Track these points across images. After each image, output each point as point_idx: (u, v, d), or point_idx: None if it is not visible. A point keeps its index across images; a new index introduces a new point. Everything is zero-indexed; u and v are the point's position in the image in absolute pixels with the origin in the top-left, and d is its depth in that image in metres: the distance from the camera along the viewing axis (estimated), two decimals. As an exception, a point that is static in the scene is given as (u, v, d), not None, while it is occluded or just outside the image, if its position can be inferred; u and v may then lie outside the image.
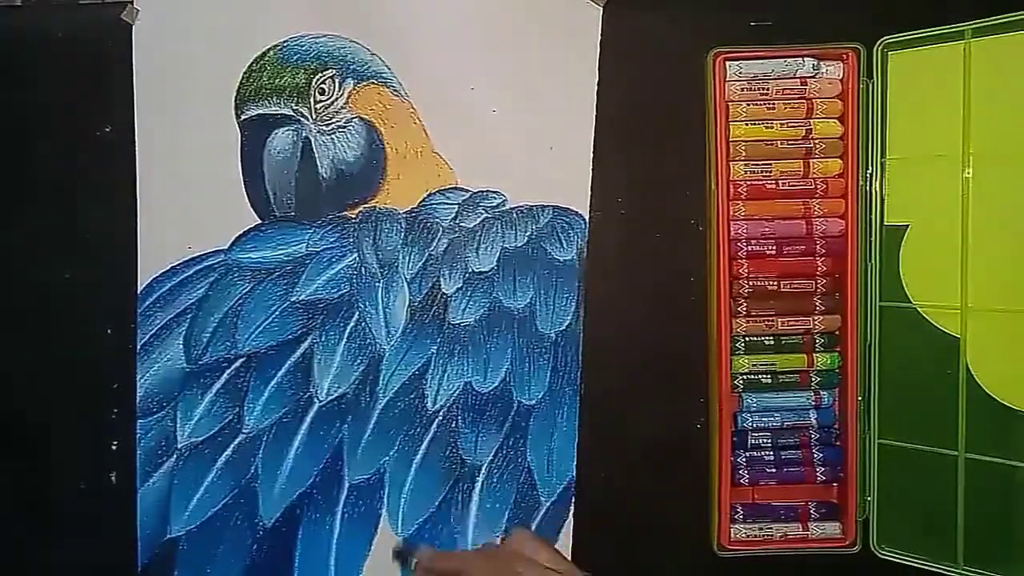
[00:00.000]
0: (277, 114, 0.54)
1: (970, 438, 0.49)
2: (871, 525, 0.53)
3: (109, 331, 0.54)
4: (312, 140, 0.54)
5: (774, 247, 0.53)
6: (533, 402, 0.54)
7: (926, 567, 0.51)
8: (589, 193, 0.54)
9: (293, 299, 0.54)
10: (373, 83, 0.54)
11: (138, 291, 0.54)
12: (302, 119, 0.54)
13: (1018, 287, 0.48)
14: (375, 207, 0.54)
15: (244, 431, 0.53)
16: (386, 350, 0.54)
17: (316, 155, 0.54)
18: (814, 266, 0.53)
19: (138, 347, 0.54)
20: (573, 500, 0.54)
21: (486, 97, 0.54)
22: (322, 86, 0.54)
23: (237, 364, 0.54)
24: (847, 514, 0.53)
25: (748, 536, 0.53)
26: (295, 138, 0.54)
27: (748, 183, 0.53)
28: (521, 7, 0.54)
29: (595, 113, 0.54)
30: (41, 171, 0.54)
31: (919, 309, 0.51)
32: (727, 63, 0.52)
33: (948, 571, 0.50)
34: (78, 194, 0.54)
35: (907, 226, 0.51)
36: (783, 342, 0.53)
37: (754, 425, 0.53)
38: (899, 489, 0.52)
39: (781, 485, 0.53)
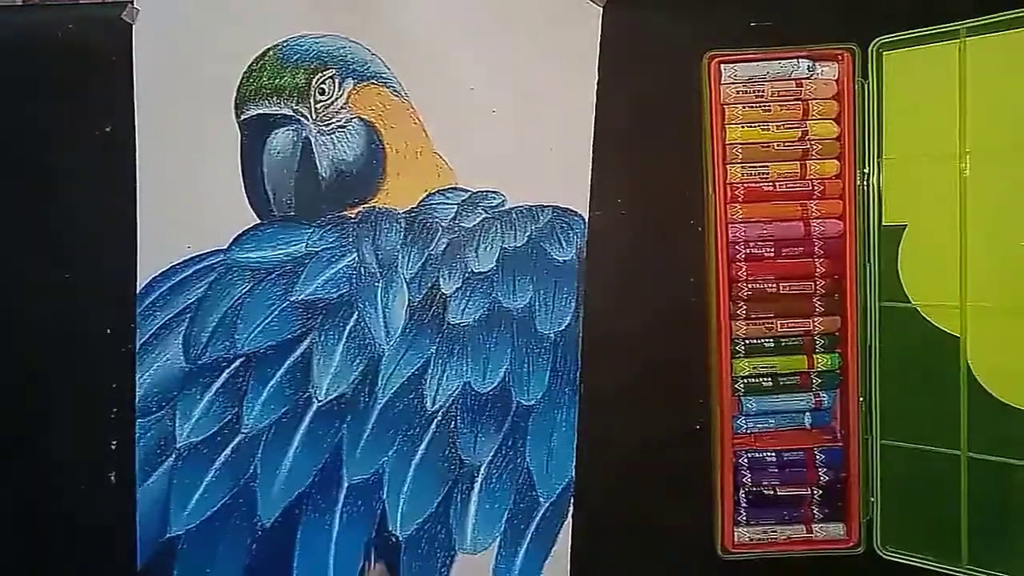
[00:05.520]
0: (277, 114, 0.57)
1: (972, 437, 0.52)
2: (875, 526, 0.55)
3: (109, 331, 0.56)
4: (312, 140, 0.57)
5: (772, 249, 0.55)
6: (532, 402, 0.57)
7: (931, 567, 0.53)
8: (589, 193, 0.57)
9: (292, 299, 0.57)
10: (373, 83, 0.57)
11: (138, 291, 0.56)
12: (302, 119, 0.57)
13: (1017, 284, 0.51)
14: (375, 207, 0.57)
15: (243, 431, 0.56)
16: (385, 350, 0.57)
17: (316, 155, 0.57)
18: (813, 267, 0.55)
19: (137, 347, 0.56)
20: (572, 501, 0.57)
21: (486, 97, 0.57)
22: (322, 86, 0.57)
23: (236, 364, 0.57)
24: (851, 515, 0.55)
25: (752, 539, 0.56)
26: (295, 138, 0.57)
27: (745, 186, 0.55)
28: (521, 7, 0.57)
29: (595, 113, 0.57)
30: (41, 171, 0.57)
31: (918, 308, 0.53)
32: (721, 66, 0.54)
33: (953, 571, 0.53)
34: (78, 194, 0.57)
35: (904, 226, 0.54)
36: (783, 344, 0.56)
37: (756, 428, 0.56)
38: (902, 489, 0.54)
39: (784, 487, 0.56)
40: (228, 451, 0.57)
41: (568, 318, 0.57)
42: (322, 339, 0.57)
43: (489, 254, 0.57)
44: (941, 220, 0.53)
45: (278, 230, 0.57)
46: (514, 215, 0.57)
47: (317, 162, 0.57)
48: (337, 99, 0.57)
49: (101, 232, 0.57)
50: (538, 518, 0.57)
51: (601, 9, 0.57)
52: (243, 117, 0.57)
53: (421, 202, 0.58)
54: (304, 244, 0.57)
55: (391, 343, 0.57)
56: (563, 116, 0.57)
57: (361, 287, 0.57)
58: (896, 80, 0.54)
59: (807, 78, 0.55)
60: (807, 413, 0.56)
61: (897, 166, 0.54)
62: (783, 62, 0.54)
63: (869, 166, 0.55)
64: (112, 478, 0.57)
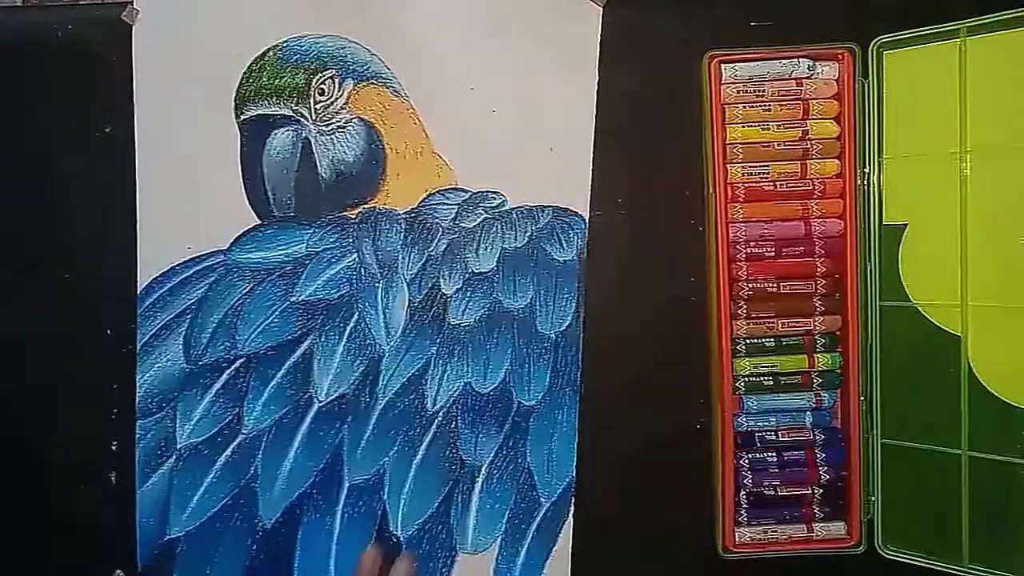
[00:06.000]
0: (277, 114, 0.57)
1: (973, 436, 0.52)
2: (876, 525, 0.55)
3: (109, 331, 0.57)
4: (312, 140, 0.58)
5: (773, 249, 0.56)
6: (533, 403, 0.57)
7: (932, 566, 0.54)
8: (589, 193, 0.57)
9: (293, 299, 0.57)
10: (373, 83, 0.58)
11: (138, 291, 0.57)
12: (302, 119, 0.57)
13: (1018, 283, 0.51)
14: (375, 207, 0.58)
15: (244, 432, 0.57)
16: (386, 350, 0.57)
17: (316, 155, 0.58)
18: (813, 267, 0.56)
19: (138, 347, 0.57)
20: (573, 501, 0.57)
21: (486, 97, 0.58)
22: (322, 86, 0.57)
23: (236, 364, 0.57)
24: (852, 514, 0.56)
25: (753, 539, 0.56)
26: (295, 138, 0.57)
27: (746, 185, 0.55)
28: (521, 7, 0.58)
29: (595, 113, 0.57)
30: (41, 171, 0.57)
31: (919, 308, 0.54)
32: (722, 66, 0.55)
33: (954, 570, 0.53)
34: (78, 194, 0.57)
35: (905, 225, 0.54)
36: (784, 343, 0.56)
37: (756, 427, 0.56)
38: (903, 488, 0.55)
39: (785, 486, 0.56)
40: (229, 452, 0.57)
41: (568, 318, 0.58)
42: (323, 340, 0.57)
43: (489, 254, 0.58)
44: (942, 219, 0.53)
45: (278, 231, 0.58)
46: (514, 215, 0.58)
47: (317, 162, 0.58)
48: (337, 99, 0.58)
49: (101, 233, 0.57)
50: (539, 518, 0.57)
51: (601, 9, 0.57)
52: (243, 117, 0.58)
53: (421, 202, 0.58)
54: (304, 245, 0.58)
55: (392, 343, 0.57)
56: (563, 116, 0.58)
57: (361, 288, 0.58)
58: (896, 80, 0.55)
59: (807, 77, 0.55)
60: (808, 412, 0.57)
61: (897, 165, 0.55)
62: (783, 62, 0.55)
63: (869, 165, 0.55)
64: (112, 479, 0.57)
